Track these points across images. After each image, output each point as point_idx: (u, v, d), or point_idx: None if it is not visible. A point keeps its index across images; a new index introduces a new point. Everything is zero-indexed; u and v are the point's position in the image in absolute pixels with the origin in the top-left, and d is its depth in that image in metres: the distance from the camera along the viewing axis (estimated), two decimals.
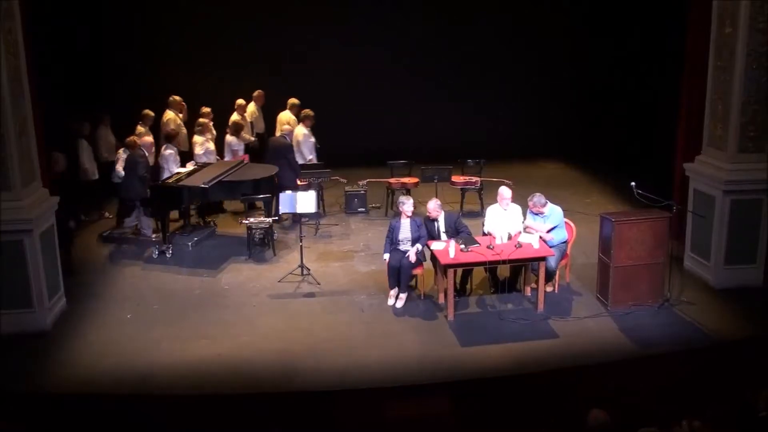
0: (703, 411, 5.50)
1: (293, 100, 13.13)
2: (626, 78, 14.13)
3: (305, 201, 9.67)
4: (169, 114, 12.61)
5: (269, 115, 13.20)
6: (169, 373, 7.67)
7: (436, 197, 9.55)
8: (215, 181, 10.58)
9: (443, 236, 9.10)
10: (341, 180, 12.58)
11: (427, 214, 9.21)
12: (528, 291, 9.23)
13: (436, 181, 11.84)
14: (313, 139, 12.56)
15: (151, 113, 12.29)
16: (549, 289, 9.16)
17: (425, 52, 14.70)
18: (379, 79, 13.95)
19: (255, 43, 14.17)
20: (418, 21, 14.62)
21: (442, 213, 9.21)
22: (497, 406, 7.19)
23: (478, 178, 12.19)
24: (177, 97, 12.77)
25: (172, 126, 12.27)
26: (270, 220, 10.67)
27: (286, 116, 12.84)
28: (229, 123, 12.41)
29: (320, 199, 11.81)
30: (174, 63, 13.84)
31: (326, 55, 14.34)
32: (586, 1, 14.99)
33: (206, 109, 12.50)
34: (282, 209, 9.83)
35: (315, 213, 10.50)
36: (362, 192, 12.34)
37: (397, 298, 9.01)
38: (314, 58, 14.28)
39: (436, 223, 9.18)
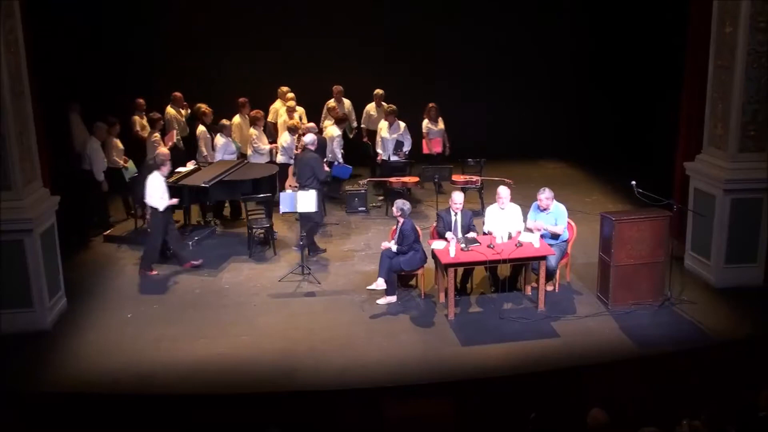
0: (703, 411, 5.50)
1: (378, 91, 13.33)
2: (627, 77, 14.10)
3: (305, 200, 9.66)
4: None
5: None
6: (169, 373, 7.68)
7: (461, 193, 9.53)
8: (216, 181, 10.57)
9: (459, 232, 9.11)
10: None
11: (452, 204, 9.21)
12: (528, 290, 9.23)
13: (436, 180, 11.83)
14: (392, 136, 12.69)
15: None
16: (549, 288, 9.15)
17: (425, 51, 14.66)
18: (379, 79, 13.92)
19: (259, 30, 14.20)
20: (418, 19, 14.59)
21: (461, 209, 9.22)
22: (497, 405, 7.19)
23: (478, 178, 12.18)
24: (178, 94, 12.90)
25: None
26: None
27: (372, 108, 13.29)
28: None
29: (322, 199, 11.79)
30: (177, 61, 13.83)
31: (325, 55, 14.32)
32: (587, 1, 14.97)
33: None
34: (282, 209, 9.81)
35: (317, 212, 10.50)
36: (362, 191, 12.32)
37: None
38: (314, 57, 14.27)
39: (455, 216, 9.18)
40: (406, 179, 12.24)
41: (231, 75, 13.94)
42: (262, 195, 10.80)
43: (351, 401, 7.33)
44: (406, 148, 12.67)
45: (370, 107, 13.57)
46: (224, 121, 11.93)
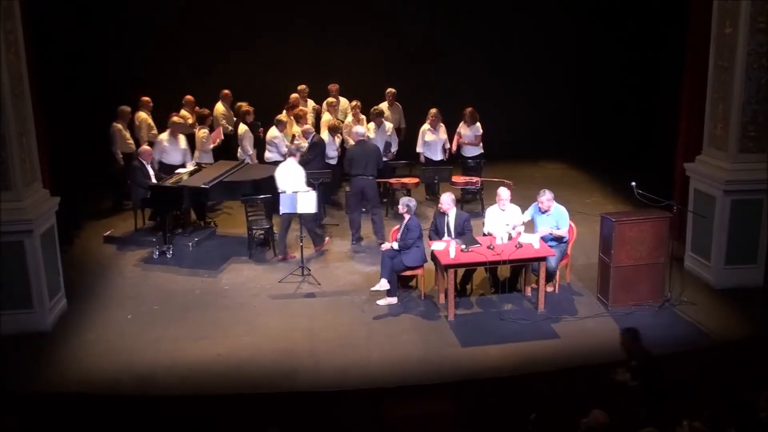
0: (703, 411, 5.50)
1: (391, 90, 13.30)
2: (627, 78, 14.11)
3: (305, 201, 9.65)
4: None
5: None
6: (169, 374, 7.68)
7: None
8: (216, 182, 10.57)
9: (453, 233, 9.10)
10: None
11: (439, 205, 9.22)
12: (528, 291, 9.23)
13: (436, 181, 11.81)
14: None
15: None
16: (549, 289, 9.15)
17: (426, 50, 14.68)
18: (380, 78, 13.93)
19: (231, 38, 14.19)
20: (419, 18, 14.60)
21: (454, 209, 9.21)
22: (497, 406, 7.19)
23: (478, 178, 12.17)
24: (189, 97, 13.03)
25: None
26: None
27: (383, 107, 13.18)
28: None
29: (323, 200, 11.77)
30: (177, 61, 13.84)
31: (325, 54, 14.33)
32: (588, 2, 14.97)
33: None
34: (282, 209, 9.80)
35: (316, 213, 10.50)
36: None
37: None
38: (312, 56, 14.29)
39: (446, 218, 9.18)
40: (405, 180, 12.23)
41: (230, 76, 13.95)
42: (262, 196, 10.80)
43: (351, 401, 7.33)
44: (394, 148, 12.63)
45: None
46: (280, 117, 12.13)
